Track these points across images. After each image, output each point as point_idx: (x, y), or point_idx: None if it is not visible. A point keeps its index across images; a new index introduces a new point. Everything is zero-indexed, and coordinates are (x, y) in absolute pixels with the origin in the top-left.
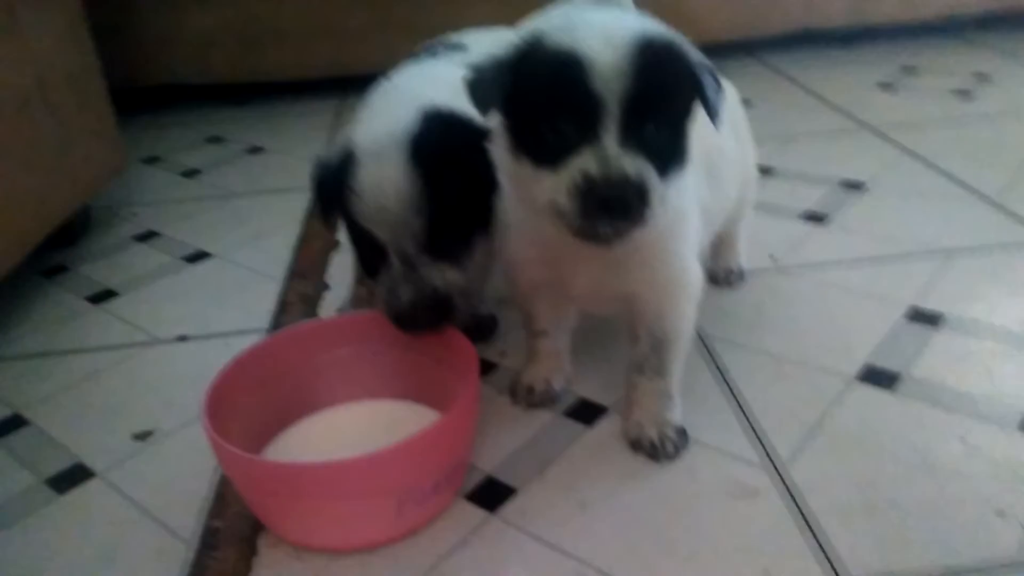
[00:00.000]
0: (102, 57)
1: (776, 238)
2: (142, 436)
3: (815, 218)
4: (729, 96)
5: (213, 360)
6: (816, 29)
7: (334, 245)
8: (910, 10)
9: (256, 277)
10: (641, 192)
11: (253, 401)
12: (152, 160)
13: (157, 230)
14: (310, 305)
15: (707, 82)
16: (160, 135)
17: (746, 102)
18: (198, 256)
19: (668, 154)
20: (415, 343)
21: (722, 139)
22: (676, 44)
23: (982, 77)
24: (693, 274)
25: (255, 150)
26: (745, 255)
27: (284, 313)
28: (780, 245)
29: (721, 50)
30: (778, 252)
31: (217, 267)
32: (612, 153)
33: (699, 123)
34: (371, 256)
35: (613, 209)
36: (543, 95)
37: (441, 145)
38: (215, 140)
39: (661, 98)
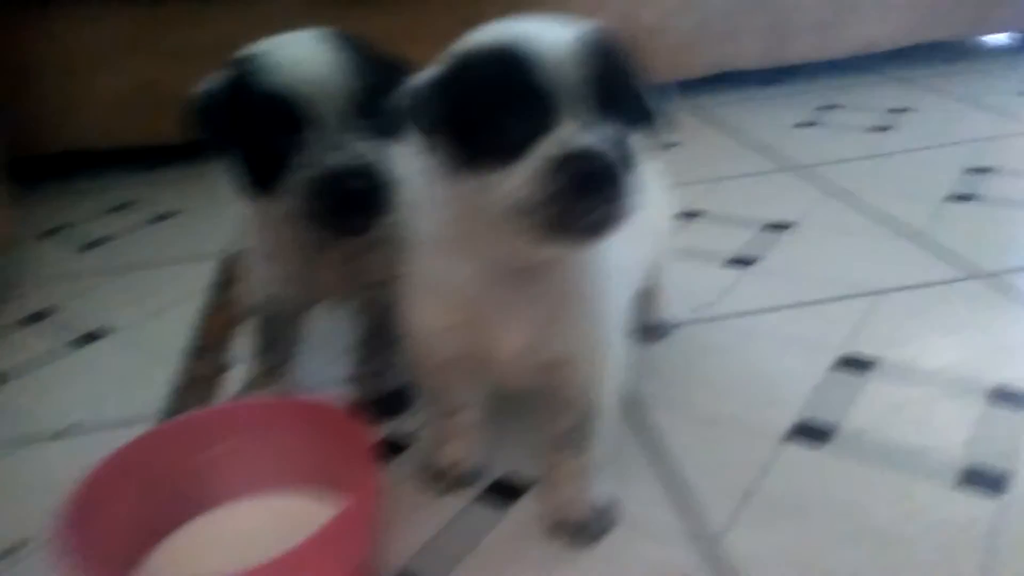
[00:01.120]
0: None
1: (704, 285)
2: (11, 551)
3: (743, 262)
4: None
5: (100, 455)
6: (734, 70)
7: (239, 318)
8: (823, 49)
9: (153, 357)
10: (616, 165)
11: (129, 507)
12: (53, 232)
13: (49, 310)
14: (209, 386)
15: (650, 87)
16: (65, 204)
17: (670, 145)
18: (92, 337)
19: (628, 153)
20: (308, 428)
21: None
22: (624, 43)
23: (899, 111)
24: (621, 338)
25: (164, 216)
26: (668, 307)
27: (181, 397)
28: (708, 293)
29: None
30: (706, 300)
31: (112, 348)
32: (578, 131)
33: None
34: (279, 151)
35: (594, 179)
36: (491, 95)
37: (351, 38)
38: (123, 207)
39: (616, 89)
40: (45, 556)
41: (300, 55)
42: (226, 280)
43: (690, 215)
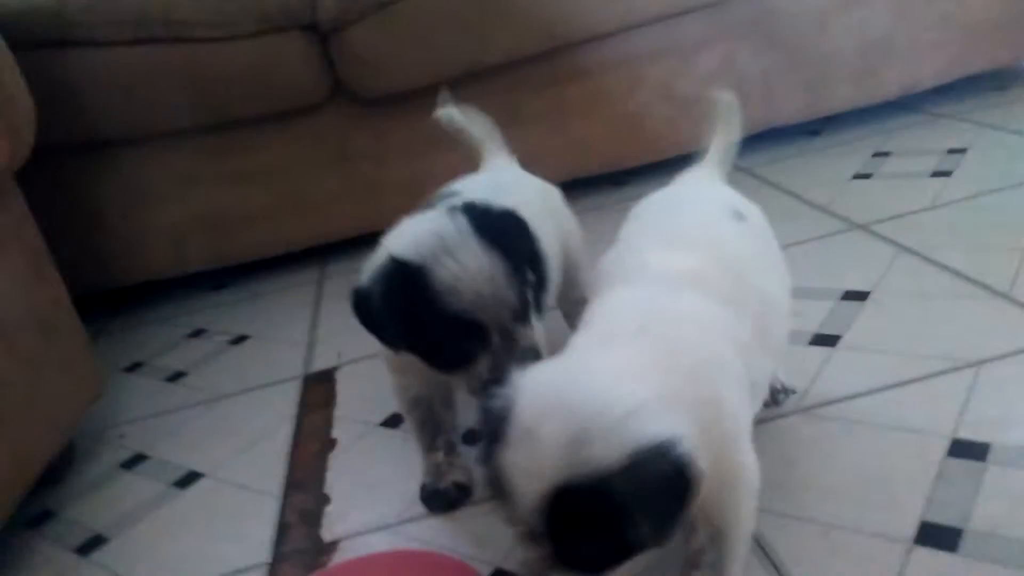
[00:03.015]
0: (73, 265)
1: (790, 370)
2: None
3: (826, 341)
4: (759, 225)
5: None
6: (780, 127)
7: (331, 444)
8: (866, 92)
9: (251, 495)
10: None
11: None
12: (134, 367)
13: (144, 452)
14: (311, 524)
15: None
16: (141, 336)
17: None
18: (189, 479)
19: None
20: None
21: (771, 291)
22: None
23: (957, 152)
24: (750, 465)
25: (239, 340)
26: (787, 372)
27: (285, 538)
28: (797, 377)
29: (689, 161)
30: (795, 386)
31: (210, 489)
32: None
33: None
34: (458, 349)
35: None
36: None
37: (496, 222)
38: (197, 334)
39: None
40: None
41: (470, 271)
42: (310, 405)
43: None
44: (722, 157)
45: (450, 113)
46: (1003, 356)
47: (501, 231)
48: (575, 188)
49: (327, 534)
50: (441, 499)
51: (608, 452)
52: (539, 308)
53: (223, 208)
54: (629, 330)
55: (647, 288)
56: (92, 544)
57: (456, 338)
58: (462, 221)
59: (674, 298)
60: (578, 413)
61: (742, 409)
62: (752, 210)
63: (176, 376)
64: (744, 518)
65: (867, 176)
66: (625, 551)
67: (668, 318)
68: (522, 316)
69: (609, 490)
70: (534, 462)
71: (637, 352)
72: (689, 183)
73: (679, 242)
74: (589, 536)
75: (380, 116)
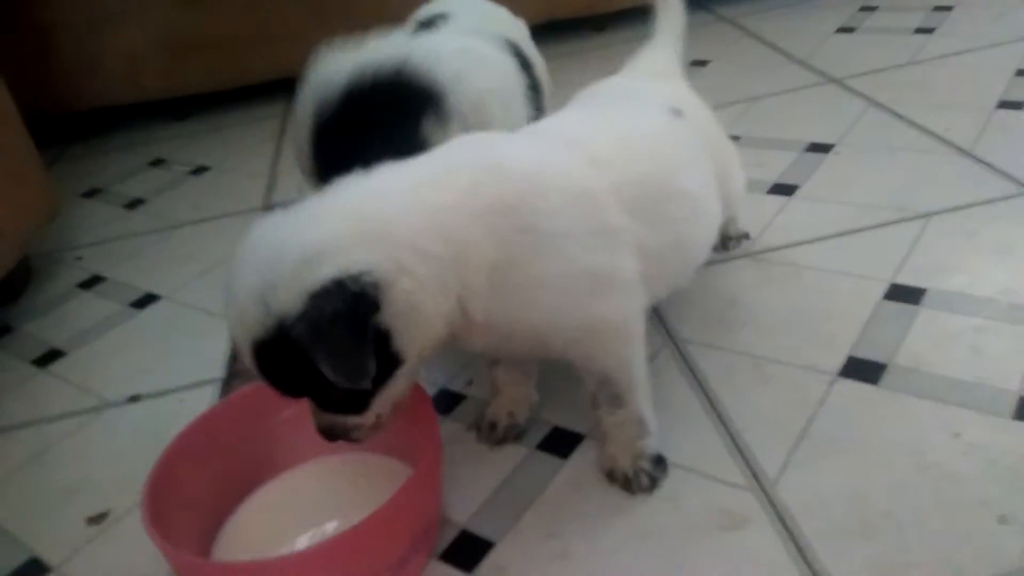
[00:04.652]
0: (25, 88)
1: (745, 216)
2: (97, 519)
3: (784, 190)
4: (699, 123)
5: (167, 421)
6: None
7: None
8: None
9: (208, 318)
10: None
11: (205, 476)
12: (93, 193)
13: (102, 274)
14: None
15: None
16: (100, 163)
17: (703, 63)
18: (146, 300)
19: None
20: None
21: (687, 186)
22: None
23: (943, 9)
24: (617, 319)
25: (200, 170)
26: (743, 220)
27: (239, 358)
28: (750, 225)
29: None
30: (750, 232)
31: (166, 311)
32: None
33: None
34: None
35: None
36: None
37: (392, 105)
38: (157, 163)
39: None
40: (131, 524)
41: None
42: None
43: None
44: (677, 33)
45: None
46: (954, 209)
47: (386, 117)
48: (552, 31)
49: None
50: None
51: (288, 300)
52: None
53: (181, 32)
54: (413, 164)
55: (502, 136)
56: (50, 357)
57: None
58: (365, 87)
59: (511, 145)
60: (263, 265)
61: (582, 257)
62: (696, 109)
63: (135, 203)
64: (620, 362)
65: (850, 30)
66: (359, 389)
67: (475, 161)
68: None
69: (290, 338)
70: (236, 321)
71: (385, 188)
72: (636, 73)
73: (587, 117)
74: (296, 384)
75: None
